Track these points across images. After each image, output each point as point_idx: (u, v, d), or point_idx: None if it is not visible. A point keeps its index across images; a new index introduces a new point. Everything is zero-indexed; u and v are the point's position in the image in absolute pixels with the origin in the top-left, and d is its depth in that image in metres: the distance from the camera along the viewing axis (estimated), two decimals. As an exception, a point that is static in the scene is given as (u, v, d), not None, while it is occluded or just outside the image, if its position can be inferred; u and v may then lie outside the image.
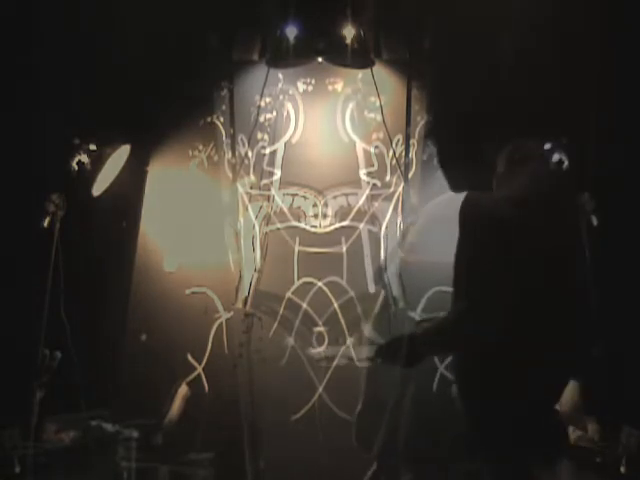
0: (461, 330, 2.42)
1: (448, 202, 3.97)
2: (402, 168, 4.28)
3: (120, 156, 4.07)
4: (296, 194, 4.36)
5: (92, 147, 3.91)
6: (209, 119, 4.37)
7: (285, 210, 4.35)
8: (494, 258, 2.36)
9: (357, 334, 4.19)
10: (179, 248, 4.32)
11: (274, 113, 4.37)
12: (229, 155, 4.35)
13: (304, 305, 4.26)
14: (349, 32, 3.88)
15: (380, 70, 4.29)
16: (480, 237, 2.41)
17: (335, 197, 4.36)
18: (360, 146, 4.38)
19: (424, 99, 4.25)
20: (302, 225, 4.34)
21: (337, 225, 4.35)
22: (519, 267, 2.34)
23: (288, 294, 4.26)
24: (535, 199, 2.45)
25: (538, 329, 2.39)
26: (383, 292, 4.25)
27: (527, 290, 2.36)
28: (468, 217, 2.49)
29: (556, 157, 3.76)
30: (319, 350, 3.30)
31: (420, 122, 4.27)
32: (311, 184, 4.36)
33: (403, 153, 4.28)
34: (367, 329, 2.97)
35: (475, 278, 2.39)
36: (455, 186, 2.70)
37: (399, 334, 2.59)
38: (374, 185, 4.35)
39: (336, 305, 4.26)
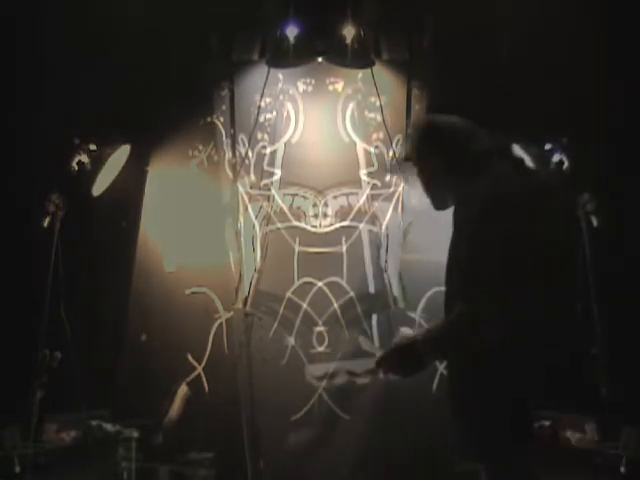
0: (463, 333, 2.42)
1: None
2: (402, 168, 4.28)
3: (120, 156, 4.07)
4: (296, 194, 4.36)
5: (92, 147, 3.91)
6: (209, 119, 4.37)
7: (285, 210, 4.34)
8: (492, 258, 2.36)
9: (357, 334, 4.19)
10: (179, 248, 4.32)
11: (274, 113, 4.37)
12: (229, 155, 4.36)
13: (304, 305, 4.26)
14: (349, 32, 3.88)
15: (380, 70, 4.29)
16: (478, 237, 2.41)
17: (335, 197, 4.35)
18: (360, 146, 4.38)
19: (424, 99, 4.25)
20: (302, 225, 4.34)
21: (337, 225, 4.35)
22: (517, 267, 2.34)
23: (288, 294, 4.26)
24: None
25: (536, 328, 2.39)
26: (383, 292, 4.25)
27: (526, 289, 2.36)
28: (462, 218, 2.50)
29: (556, 157, 3.76)
30: (319, 366, 3.29)
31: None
32: (311, 184, 4.36)
33: (403, 153, 4.28)
34: (363, 341, 2.97)
35: (475, 279, 2.39)
36: (438, 204, 2.70)
37: (398, 343, 2.58)
38: (374, 185, 4.35)
39: (336, 305, 4.26)
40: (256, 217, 4.34)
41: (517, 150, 3.68)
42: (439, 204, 2.71)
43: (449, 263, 2.61)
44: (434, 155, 2.62)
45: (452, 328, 2.46)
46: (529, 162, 3.68)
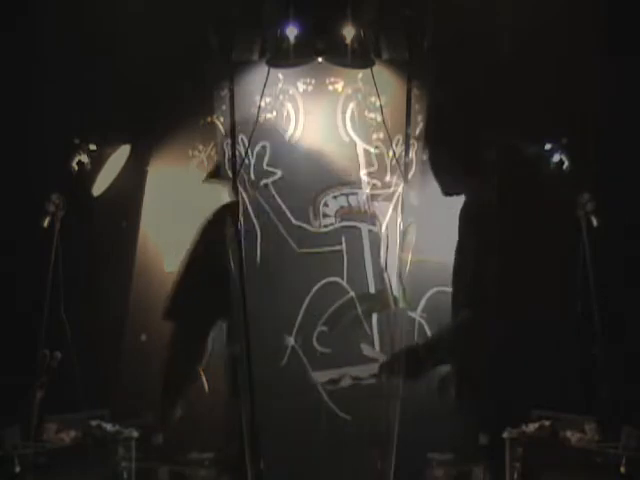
0: (465, 341, 2.42)
1: (448, 202, 3.99)
2: (402, 168, 4.29)
3: (120, 156, 4.07)
4: (296, 194, 4.36)
5: (92, 147, 3.91)
6: (209, 119, 4.37)
7: (285, 210, 4.35)
8: (499, 265, 2.36)
9: (358, 338, 4.20)
10: (179, 248, 4.32)
11: (274, 113, 4.37)
12: (229, 155, 4.36)
13: (304, 305, 4.26)
14: (349, 32, 3.88)
15: (380, 70, 4.29)
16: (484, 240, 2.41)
17: (335, 197, 4.36)
18: (360, 146, 4.38)
19: (424, 99, 4.25)
20: (302, 225, 4.34)
21: (337, 225, 4.35)
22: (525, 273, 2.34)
23: (288, 294, 4.26)
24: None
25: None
26: (383, 292, 4.25)
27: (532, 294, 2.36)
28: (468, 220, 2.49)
29: (556, 157, 3.76)
30: (324, 372, 3.35)
31: (420, 123, 4.27)
32: (311, 184, 4.36)
33: (403, 153, 4.28)
34: (365, 348, 2.99)
35: (482, 288, 2.39)
36: (447, 190, 2.70)
37: (401, 349, 2.59)
38: (374, 185, 4.35)
39: (336, 305, 4.26)
40: (256, 217, 4.34)
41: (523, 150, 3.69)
42: (448, 189, 2.70)
43: (456, 265, 2.60)
44: (447, 139, 2.62)
45: (455, 335, 2.46)
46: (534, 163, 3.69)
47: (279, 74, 4.33)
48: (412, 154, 4.27)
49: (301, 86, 4.38)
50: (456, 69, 4.01)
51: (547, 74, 3.95)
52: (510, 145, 3.62)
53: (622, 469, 3.01)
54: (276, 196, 4.35)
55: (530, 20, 3.90)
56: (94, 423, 3.47)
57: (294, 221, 4.34)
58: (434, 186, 4.15)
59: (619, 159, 3.80)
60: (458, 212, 3.97)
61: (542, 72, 3.95)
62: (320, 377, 3.31)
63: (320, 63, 4.18)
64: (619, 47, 3.82)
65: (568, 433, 3.17)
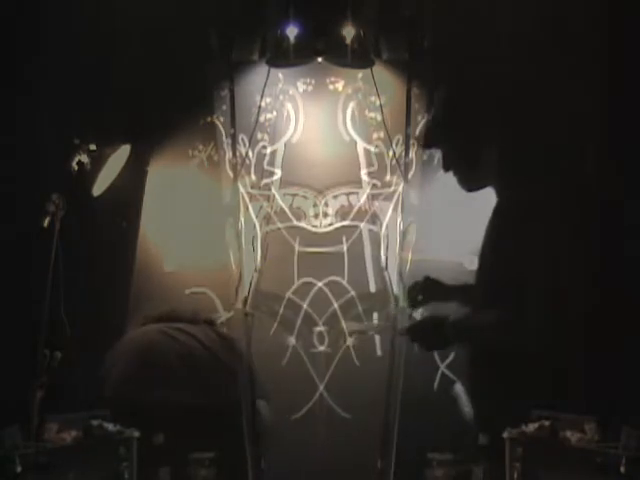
0: (492, 337, 2.41)
1: (449, 201, 3.99)
2: (402, 168, 4.29)
3: (120, 156, 4.07)
4: (296, 194, 4.36)
5: (92, 147, 3.91)
6: (209, 119, 4.38)
7: (285, 210, 4.35)
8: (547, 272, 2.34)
9: (357, 334, 4.20)
10: (179, 248, 4.32)
11: (274, 113, 4.37)
12: (229, 155, 4.36)
13: (304, 305, 4.27)
14: (349, 32, 3.88)
15: (380, 70, 4.29)
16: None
17: (336, 197, 4.36)
18: (361, 146, 4.38)
19: (424, 98, 4.25)
20: (302, 225, 4.35)
21: (338, 225, 4.35)
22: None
23: (288, 294, 4.27)
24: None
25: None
26: (384, 291, 4.26)
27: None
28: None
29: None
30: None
31: (420, 122, 4.27)
32: (311, 184, 4.37)
33: (403, 153, 4.28)
34: (393, 309, 3.01)
35: (524, 297, 2.37)
36: (469, 186, 2.67)
37: (430, 316, 2.61)
38: (374, 185, 4.35)
39: (336, 305, 4.26)
40: (256, 217, 4.35)
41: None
42: (471, 184, 2.65)
43: (484, 261, 2.55)
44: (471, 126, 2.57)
45: (485, 326, 2.45)
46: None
47: (279, 74, 4.33)
48: (412, 154, 4.28)
49: (301, 86, 4.38)
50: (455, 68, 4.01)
51: (548, 74, 3.94)
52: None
53: (622, 469, 3.00)
54: (276, 196, 4.36)
55: (532, 20, 3.90)
56: (95, 423, 3.46)
57: (294, 221, 4.34)
58: (434, 186, 4.16)
59: (619, 159, 3.79)
60: (459, 211, 3.99)
61: (543, 71, 3.94)
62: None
63: (320, 63, 4.18)
64: (620, 48, 3.82)
65: (568, 433, 3.16)
